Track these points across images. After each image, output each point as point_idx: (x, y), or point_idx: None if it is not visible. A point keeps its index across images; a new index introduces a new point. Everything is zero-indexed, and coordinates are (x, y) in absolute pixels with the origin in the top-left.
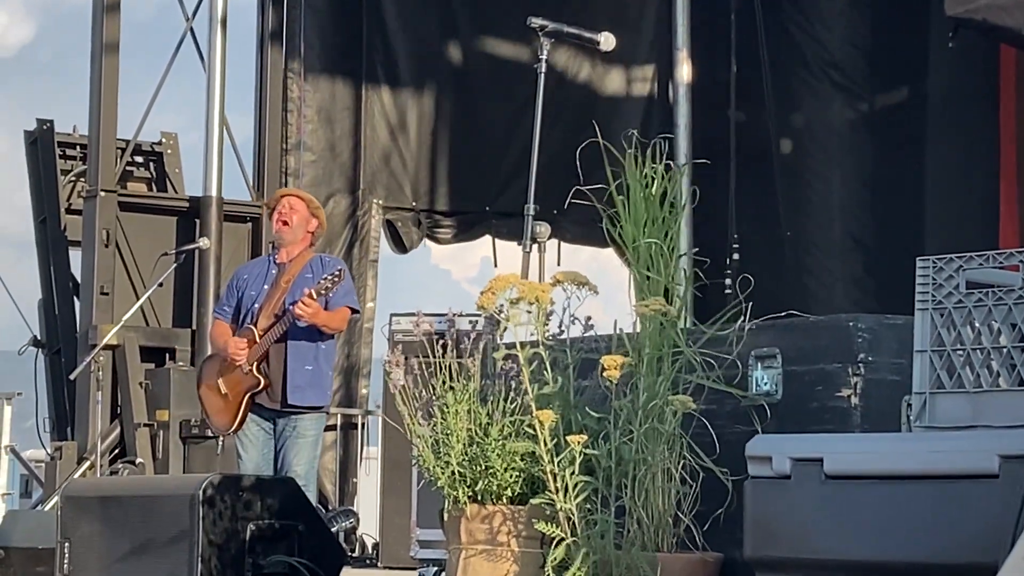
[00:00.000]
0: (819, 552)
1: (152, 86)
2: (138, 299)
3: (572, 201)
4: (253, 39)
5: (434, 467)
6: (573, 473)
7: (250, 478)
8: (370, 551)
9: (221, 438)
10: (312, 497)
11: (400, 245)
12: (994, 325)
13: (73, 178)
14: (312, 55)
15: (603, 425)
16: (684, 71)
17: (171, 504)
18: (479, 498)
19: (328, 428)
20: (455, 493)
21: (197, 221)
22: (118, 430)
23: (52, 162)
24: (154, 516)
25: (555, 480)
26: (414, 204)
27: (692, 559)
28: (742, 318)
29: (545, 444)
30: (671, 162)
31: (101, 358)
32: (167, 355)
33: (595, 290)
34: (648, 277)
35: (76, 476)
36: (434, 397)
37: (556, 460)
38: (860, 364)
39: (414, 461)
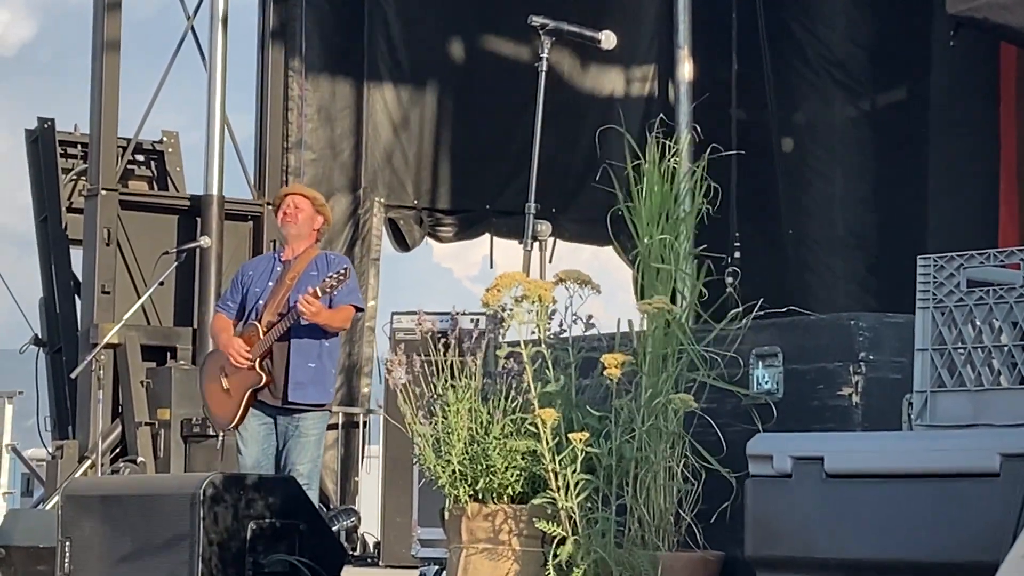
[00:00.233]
0: (820, 551)
1: (153, 85)
2: (139, 298)
3: (572, 200)
4: (254, 37)
5: (435, 466)
6: (574, 472)
7: (251, 477)
8: (371, 550)
9: (221, 435)
10: (315, 496)
11: (402, 243)
12: (995, 323)
13: (74, 177)
14: (313, 54)
15: (604, 424)
16: (685, 69)
17: (172, 503)
18: (480, 497)
19: (329, 427)
20: (456, 492)
21: (198, 220)
22: (119, 429)
23: (53, 161)
24: (155, 515)
25: (556, 479)
26: (416, 202)
27: (693, 558)
28: (744, 317)
29: (546, 443)
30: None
31: (102, 357)
32: (168, 354)
33: (598, 289)
34: (657, 274)
35: (77, 475)
36: (435, 396)
37: (557, 459)
38: (861, 362)
39: (415, 460)
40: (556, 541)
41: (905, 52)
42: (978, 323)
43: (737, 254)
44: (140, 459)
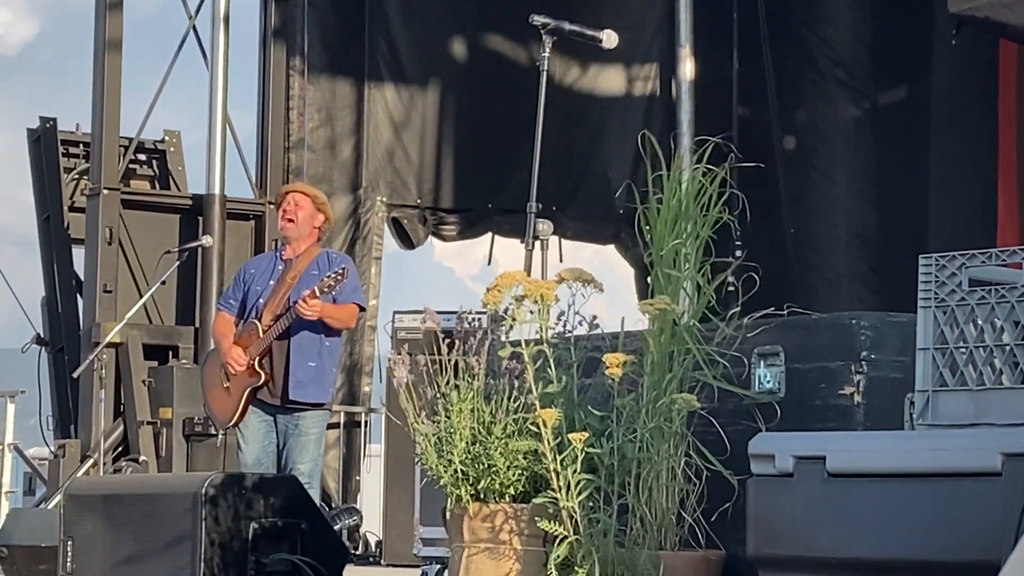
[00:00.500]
0: (822, 550)
1: (155, 84)
2: (141, 297)
3: (573, 198)
4: (255, 37)
5: (437, 465)
6: (575, 471)
7: (253, 477)
8: (373, 549)
9: (221, 433)
10: (316, 496)
11: (407, 242)
12: (997, 323)
13: (76, 176)
14: (314, 53)
15: (606, 423)
16: (687, 68)
17: (174, 502)
18: (482, 496)
19: (331, 426)
20: (458, 491)
21: (200, 219)
22: (121, 428)
23: (55, 160)
24: (157, 515)
25: (558, 478)
26: (419, 201)
27: (695, 557)
28: (745, 316)
29: (548, 443)
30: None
31: (104, 356)
32: (170, 353)
33: (600, 288)
34: (668, 280)
35: (79, 474)
36: (438, 395)
37: (559, 458)
38: (863, 362)
39: (417, 459)
40: (557, 541)
41: (906, 51)
42: (980, 322)
43: (738, 253)
44: (142, 458)
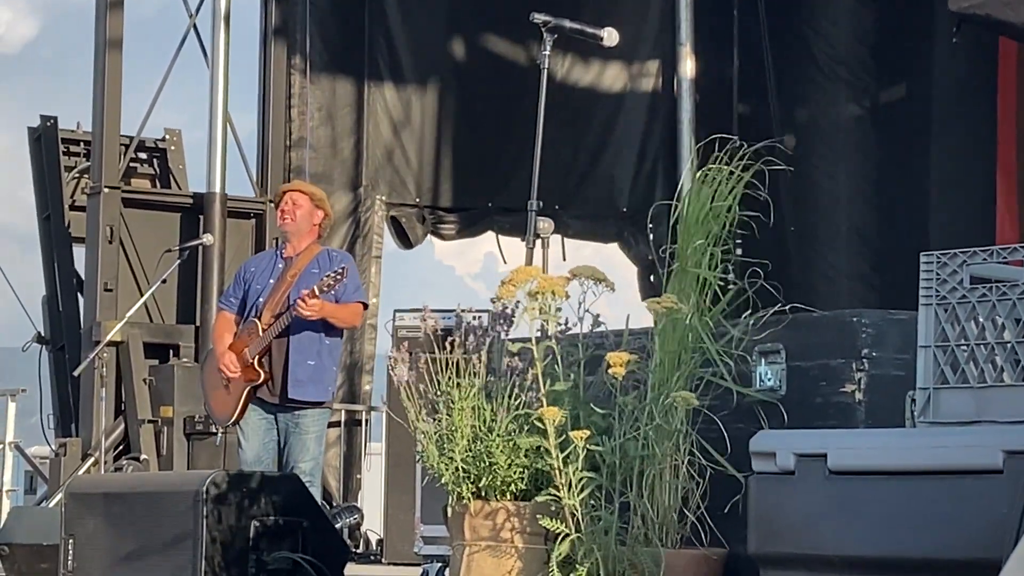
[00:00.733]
0: (823, 548)
1: (155, 83)
2: (142, 295)
3: (576, 197)
4: (256, 35)
5: (438, 463)
6: (578, 469)
7: (254, 475)
8: (374, 547)
9: (220, 431)
10: (317, 494)
11: (405, 241)
12: (998, 320)
13: (77, 175)
14: (315, 51)
15: (608, 421)
16: (687, 66)
17: (175, 501)
18: (483, 494)
19: (332, 424)
20: (459, 489)
21: (201, 217)
22: (122, 426)
23: (56, 159)
24: (158, 513)
25: (560, 476)
26: (417, 200)
27: (696, 555)
28: (746, 314)
29: (552, 440)
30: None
31: (105, 354)
32: (171, 351)
33: (612, 286)
34: (698, 280)
35: (80, 473)
36: (439, 393)
37: (561, 456)
38: (864, 359)
39: (418, 457)
40: (559, 538)
41: (907, 49)
42: (981, 320)
43: (739, 251)
44: (143, 457)
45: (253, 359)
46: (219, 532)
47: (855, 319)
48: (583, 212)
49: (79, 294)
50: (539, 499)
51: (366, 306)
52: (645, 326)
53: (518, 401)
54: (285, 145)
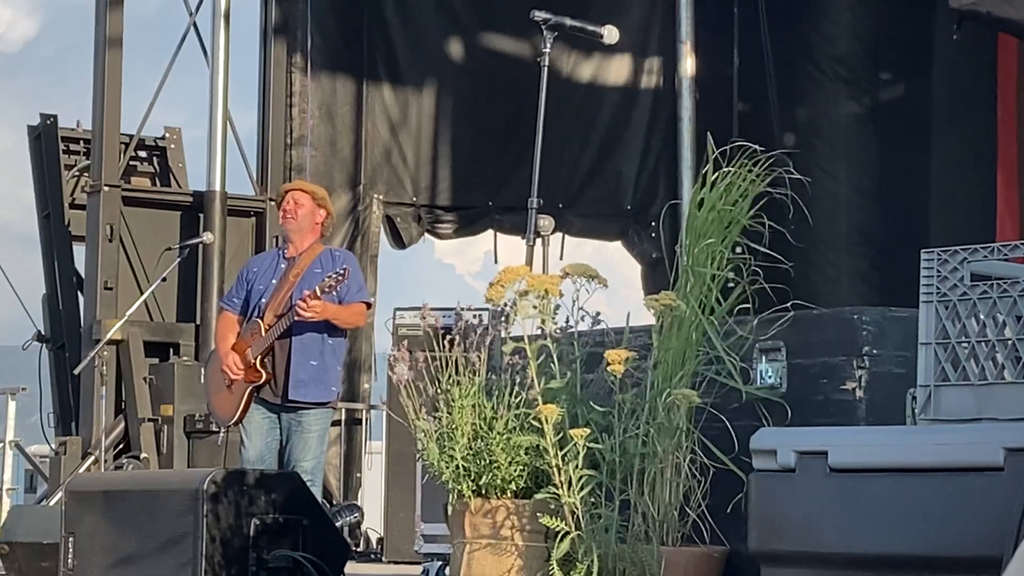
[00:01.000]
0: (824, 545)
1: (156, 81)
2: (142, 294)
3: (579, 195)
4: (256, 34)
5: (438, 461)
6: (578, 467)
7: (254, 473)
8: (374, 546)
9: (223, 430)
10: (318, 493)
11: (399, 241)
12: (999, 317)
13: (77, 173)
14: (315, 50)
15: (608, 419)
16: (688, 64)
17: (175, 499)
18: (483, 492)
19: (332, 423)
20: (459, 487)
21: (201, 216)
22: (122, 425)
23: (56, 157)
24: (158, 511)
25: (560, 474)
26: (415, 199)
27: (696, 553)
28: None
29: (550, 438)
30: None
31: (105, 353)
32: (171, 350)
33: (605, 283)
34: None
35: (80, 471)
36: (439, 391)
37: (561, 454)
38: (865, 357)
39: (418, 455)
40: (559, 536)
41: (907, 47)
42: (982, 317)
43: (739, 249)
44: (143, 455)
45: (255, 359)
46: (219, 530)
47: (856, 317)
48: (587, 210)
49: (79, 292)
50: (539, 497)
51: (369, 305)
52: (646, 324)
53: (518, 399)
54: (285, 143)
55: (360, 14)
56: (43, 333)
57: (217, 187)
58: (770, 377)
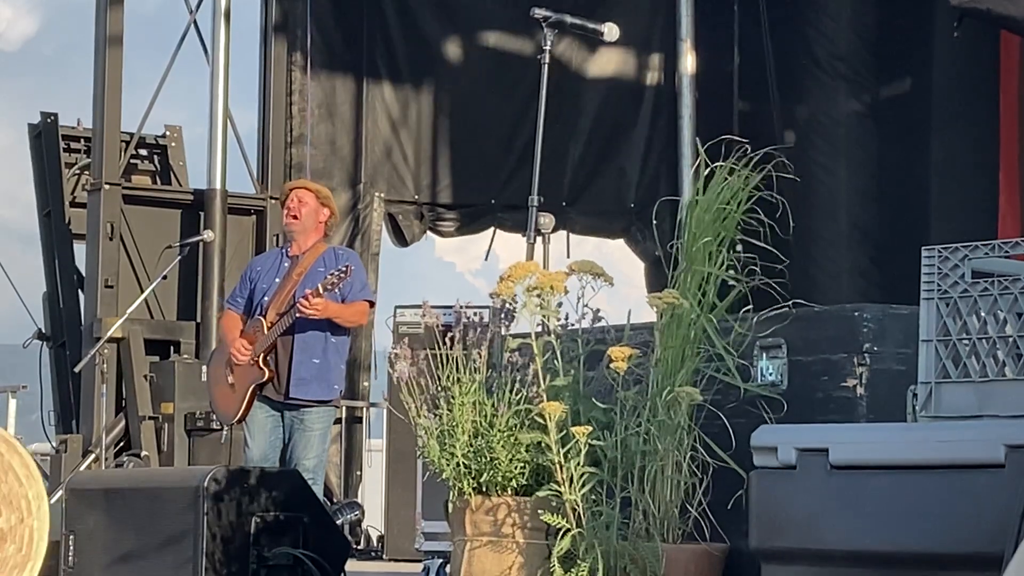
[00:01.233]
0: (825, 542)
1: (156, 79)
2: (142, 292)
3: (583, 193)
4: (256, 32)
5: (439, 459)
6: (579, 464)
7: (255, 471)
8: (375, 543)
9: (226, 429)
10: (320, 491)
11: (401, 238)
12: (1000, 314)
13: (77, 171)
14: (315, 48)
15: (610, 416)
16: (688, 62)
17: (175, 497)
18: (484, 490)
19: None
20: (460, 485)
21: (201, 214)
22: (123, 423)
23: (56, 155)
24: (158, 509)
25: (561, 471)
26: (416, 197)
27: (697, 550)
28: (746, 308)
29: (553, 436)
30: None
31: (105, 351)
32: (172, 348)
33: (610, 281)
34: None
35: (81, 469)
36: (439, 389)
37: (562, 451)
38: (866, 354)
39: (419, 453)
40: (560, 534)
41: (907, 45)
42: (983, 314)
43: (739, 247)
44: (144, 453)
45: (258, 357)
46: (219, 528)
47: (856, 314)
48: (591, 208)
49: (80, 291)
50: (540, 494)
51: (372, 304)
52: (648, 321)
53: (519, 396)
54: (286, 142)
55: (360, 12)
56: (44, 331)
57: (217, 185)
58: (771, 374)
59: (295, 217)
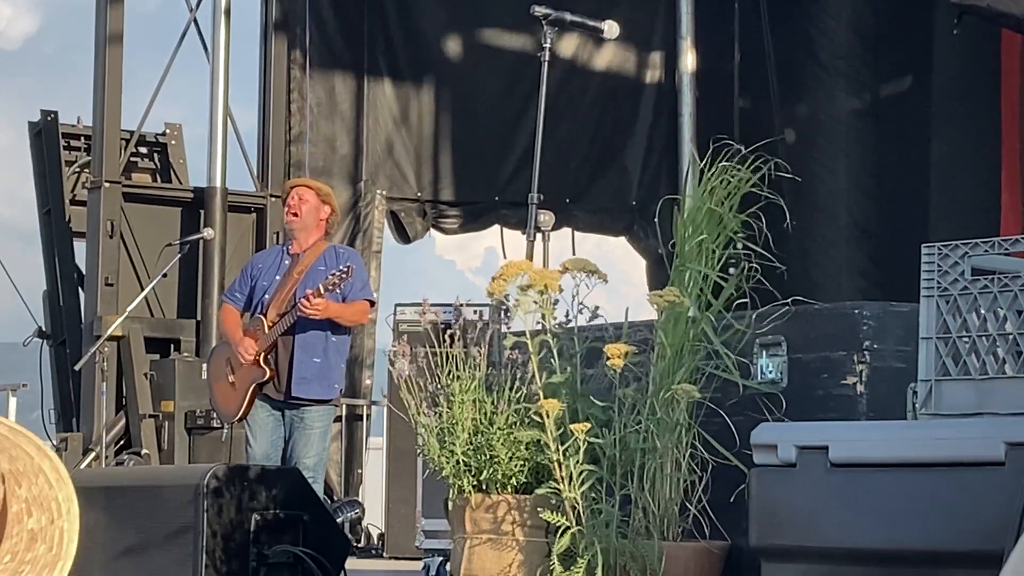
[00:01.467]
0: (825, 540)
1: (156, 77)
2: (143, 290)
3: (587, 190)
4: (257, 30)
5: (439, 456)
6: (578, 462)
7: (255, 468)
8: (375, 541)
9: (227, 427)
10: (320, 490)
11: (404, 235)
12: (1000, 312)
13: (77, 169)
14: (315, 46)
15: (609, 414)
16: (688, 60)
17: (175, 494)
18: (484, 487)
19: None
20: (460, 482)
21: (201, 212)
22: (123, 421)
23: (56, 153)
24: (158, 506)
25: (560, 469)
26: (419, 195)
27: (697, 548)
28: (747, 308)
29: (551, 433)
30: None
31: (106, 349)
32: (172, 346)
33: (605, 278)
34: (689, 274)
35: (81, 467)
36: (439, 387)
37: (561, 449)
38: (865, 352)
39: (419, 451)
40: (560, 531)
41: (907, 43)
42: (983, 311)
43: (739, 245)
44: (144, 451)
45: (259, 356)
46: (219, 526)
47: (856, 311)
48: (594, 205)
49: (80, 289)
50: (540, 492)
51: (373, 303)
52: (648, 319)
53: (518, 394)
54: (286, 140)
55: (360, 9)
56: (44, 329)
57: (218, 183)
58: (771, 372)
59: (295, 214)
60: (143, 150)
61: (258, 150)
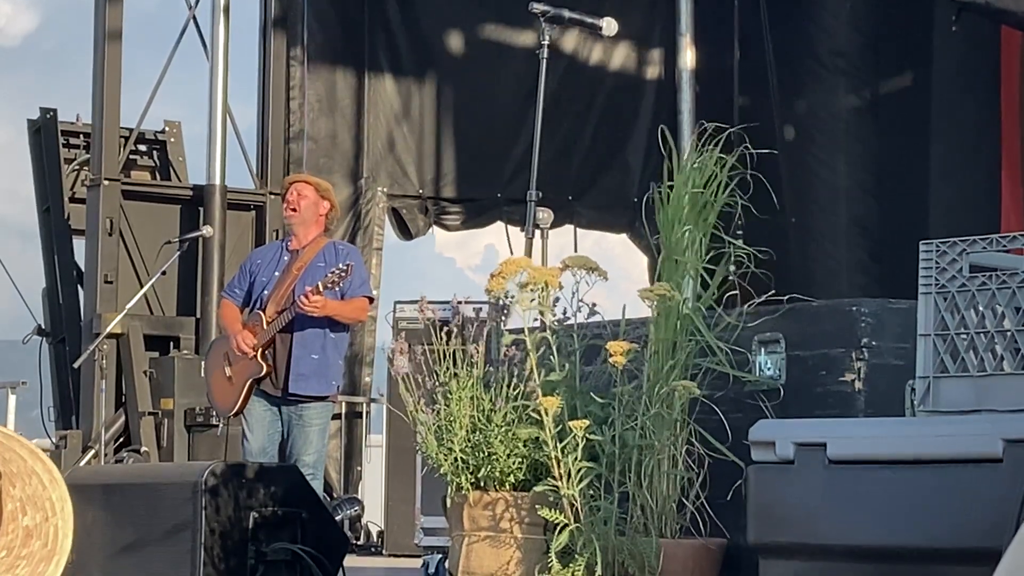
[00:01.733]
0: (823, 537)
1: (155, 75)
2: (142, 287)
3: (589, 187)
4: (256, 27)
5: (437, 454)
6: (576, 459)
7: (253, 466)
8: (374, 539)
9: (222, 422)
10: (319, 487)
11: (406, 232)
12: (998, 309)
13: (77, 167)
14: (314, 43)
15: (607, 411)
16: (688, 57)
17: (174, 492)
18: (482, 485)
19: (332, 416)
20: (458, 480)
21: (201, 209)
22: (122, 419)
23: (55, 151)
24: (157, 504)
25: (558, 466)
26: (420, 191)
27: (695, 545)
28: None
29: (549, 430)
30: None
31: (105, 346)
32: (171, 343)
33: (605, 276)
34: (676, 265)
35: (80, 465)
36: (437, 384)
37: (559, 446)
38: (864, 349)
39: (418, 448)
40: (558, 529)
41: (907, 40)
42: (981, 308)
43: (739, 242)
44: (143, 449)
45: (257, 351)
46: (218, 523)
47: (855, 308)
48: (596, 202)
49: (79, 286)
50: (538, 489)
51: (372, 300)
52: (645, 316)
53: (517, 391)
54: (285, 137)
55: (360, 4)
56: (43, 327)
57: (217, 180)
58: (769, 369)
59: (294, 210)
60: (142, 148)
61: (257, 147)
